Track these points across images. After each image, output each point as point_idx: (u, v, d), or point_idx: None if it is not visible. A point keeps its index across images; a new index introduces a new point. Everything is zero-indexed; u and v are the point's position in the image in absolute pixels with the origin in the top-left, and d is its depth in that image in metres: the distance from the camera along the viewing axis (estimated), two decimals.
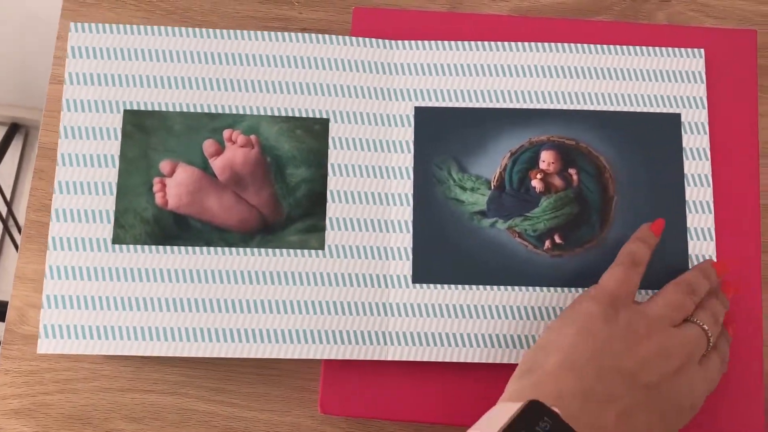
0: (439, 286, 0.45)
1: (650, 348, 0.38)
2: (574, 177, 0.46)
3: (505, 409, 0.34)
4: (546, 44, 0.47)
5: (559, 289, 0.45)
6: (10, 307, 0.47)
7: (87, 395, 0.46)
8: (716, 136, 0.47)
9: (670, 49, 0.48)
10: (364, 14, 0.49)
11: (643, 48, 0.47)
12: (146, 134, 0.45)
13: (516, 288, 0.45)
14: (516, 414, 0.33)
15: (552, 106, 0.47)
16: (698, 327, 0.40)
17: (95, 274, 0.44)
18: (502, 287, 0.45)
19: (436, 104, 0.47)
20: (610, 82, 0.47)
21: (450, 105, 0.47)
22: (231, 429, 0.45)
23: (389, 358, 0.44)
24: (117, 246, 0.44)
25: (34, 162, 0.48)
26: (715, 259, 0.45)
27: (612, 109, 0.47)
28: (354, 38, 0.47)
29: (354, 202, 0.46)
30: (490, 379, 0.45)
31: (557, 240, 0.45)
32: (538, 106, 0.47)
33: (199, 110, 0.46)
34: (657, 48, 0.48)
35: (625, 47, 0.47)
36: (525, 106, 0.47)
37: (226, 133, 0.46)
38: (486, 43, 0.47)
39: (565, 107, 0.47)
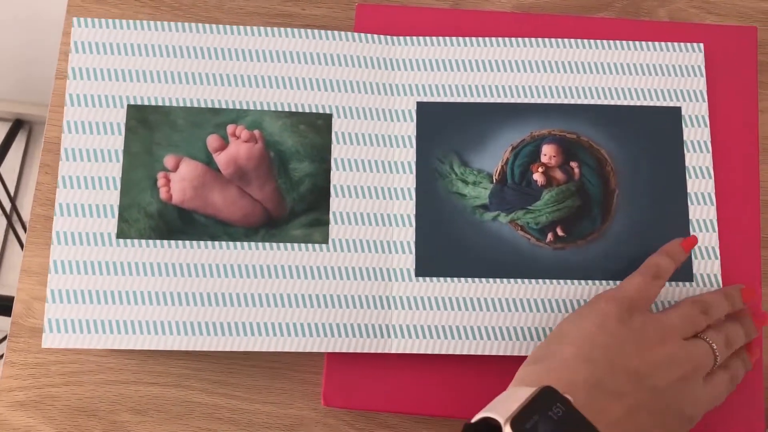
0: (441, 279, 0.45)
1: (660, 353, 0.39)
2: (576, 170, 0.46)
3: (517, 393, 0.35)
4: (546, 40, 0.48)
5: (561, 281, 0.45)
6: (16, 301, 0.47)
7: (92, 388, 0.46)
8: (716, 132, 0.47)
9: (669, 43, 0.48)
10: (367, 11, 0.49)
11: (643, 43, 0.48)
12: (150, 129, 0.46)
13: (518, 281, 0.45)
14: (530, 398, 0.34)
15: (553, 101, 0.47)
16: (706, 344, 0.41)
17: (99, 269, 0.44)
18: (504, 280, 0.45)
19: (438, 99, 0.47)
20: (611, 76, 0.47)
21: (452, 100, 0.47)
22: (234, 421, 0.46)
23: (392, 351, 0.44)
24: (121, 240, 0.44)
25: (37, 157, 0.48)
26: (717, 250, 0.46)
27: (613, 103, 0.47)
28: (357, 34, 0.48)
29: (357, 196, 0.46)
30: (492, 371, 0.45)
31: (559, 233, 0.46)
32: (539, 101, 0.47)
33: (202, 105, 0.46)
34: (657, 43, 0.48)
35: (625, 42, 0.48)
36: (526, 101, 0.47)
37: (230, 128, 0.46)
38: (487, 39, 0.48)
39: (566, 101, 0.47)
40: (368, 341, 0.44)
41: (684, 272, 0.45)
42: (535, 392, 0.34)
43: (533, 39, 0.48)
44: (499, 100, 0.47)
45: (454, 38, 0.48)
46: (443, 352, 0.44)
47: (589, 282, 0.45)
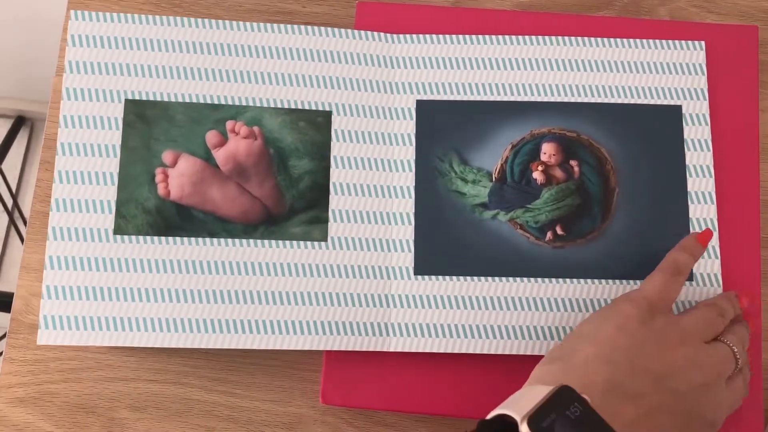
0: (440, 277, 0.45)
1: (681, 356, 0.39)
2: (576, 169, 0.46)
3: (534, 392, 0.34)
4: (546, 38, 0.48)
5: (560, 280, 0.45)
6: (15, 297, 0.47)
7: (91, 384, 0.46)
8: (717, 132, 0.47)
9: (670, 41, 0.48)
10: (368, 8, 0.49)
11: (644, 41, 0.48)
12: (148, 124, 0.45)
13: (517, 279, 0.45)
14: (547, 396, 0.33)
15: (553, 99, 0.47)
16: (728, 347, 0.41)
17: (96, 265, 0.44)
18: (503, 278, 0.45)
19: (438, 97, 0.47)
20: (611, 74, 0.47)
21: (452, 98, 0.47)
22: (233, 419, 0.45)
23: (391, 350, 0.44)
24: (118, 236, 0.44)
25: (39, 154, 0.48)
26: (717, 249, 0.45)
27: (613, 101, 0.47)
28: (357, 31, 0.47)
29: (356, 194, 0.46)
30: (491, 369, 0.45)
31: (559, 231, 0.46)
32: (539, 99, 0.47)
33: (201, 101, 0.46)
34: (657, 41, 0.48)
35: (625, 40, 0.48)
36: (526, 99, 0.47)
37: (229, 124, 0.46)
38: (487, 36, 0.48)
39: (566, 99, 0.47)
40: (367, 339, 0.44)
41: None
42: (552, 391, 0.34)
43: (533, 37, 0.48)
44: (499, 98, 0.47)
45: (454, 36, 0.48)
46: (442, 351, 0.44)
47: (589, 281, 0.45)
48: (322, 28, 0.47)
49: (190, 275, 0.44)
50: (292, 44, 0.47)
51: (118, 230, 0.44)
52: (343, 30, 0.47)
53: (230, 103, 0.46)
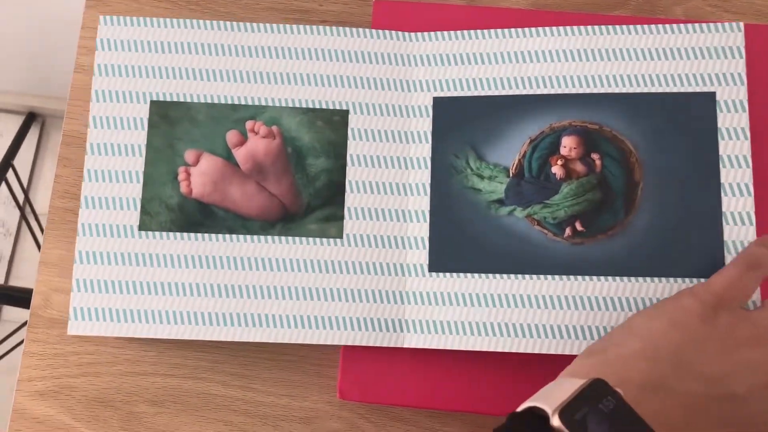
0: (455, 274, 0.44)
1: (747, 357, 0.36)
2: (597, 162, 0.45)
3: (566, 384, 0.33)
4: (566, 28, 0.46)
5: (579, 277, 0.43)
6: (35, 292, 0.48)
7: (109, 378, 0.47)
8: (752, 119, 0.45)
9: (704, 24, 0.45)
10: (385, 7, 0.49)
11: (674, 26, 0.46)
12: (171, 124, 0.47)
13: (533, 277, 0.44)
14: (580, 389, 0.32)
15: (574, 90, 0.46)
16: None
17: (122, 260, 0.46)
18: (519, 276, 0.44)
19: (455, 94, 0.47)
20: (636, 62, 0.46)
21: (469, 94, 0.47)
22: (250, 413, 0.46)
23: (405, 346, 0.44)
24: (143, 232, 0.46)
25: (50, 150, 0.50)
26: None
27: (639, 90, 0.45)
28: (374, 30, 0.48)
29: (372, 192, 0.46)
30: (506, 367, 0.44)
31: (578, 227, 0.44)
32: (559, 91, 0.46)
33: (222, 101, 0.47)
34: (689, 24, 0.46)
35: (653, 26, 0.46)
36: (546, 92, 0.46)
37: (248, 124, 0.47)
38: (505, 30, 0.47)
39: (588, 91, 0.46)
40: (382, 335, 0.44)
41: (716, 268, 0.42)
42: (585, 383, 0.33)
43: (552, 28, 0.46)
44: (517, 92, 0.46)
45: (471, 31, 0.47)
46: (456, 348, 0.43)
47: (609, 278, 0.43)
48: (340, 28, 0.48)
49: (209, 270, 0.45)
50: (310, 44, 0.48)
51: (143, 226, 0.46)
52: (360, 29, 0.48)
53: (250, 103, 0.47)
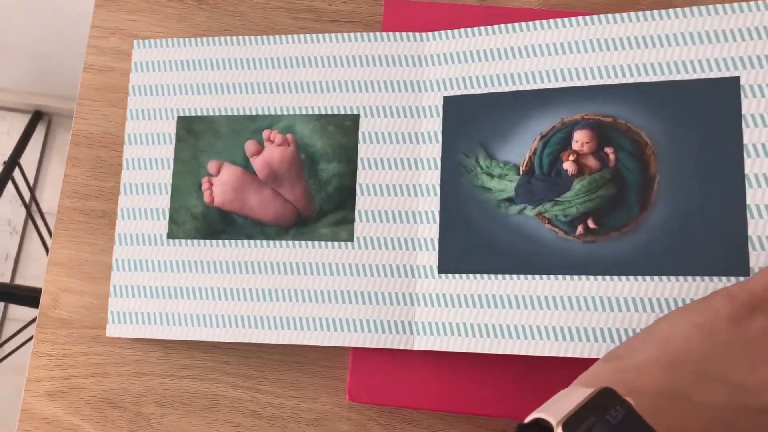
0: (464, 276, 0.43)
1: None
2: (611, 156, 0.42)
3: (574, 393, 0.32)
4: (578, 18, 0.44)
5: (591, 277, 0.41)
6: (44, 292, 0.49)
7: (118, 379, 0.48)
8: None
9: (726, 5, 0.42)
10: (396, 6, 0.49)
11: (693, 9, 0.42)
12: (196, 138, 0.50)
13: (544, 277, 0.42)
14: (586, 399, 0.31)
15: (587, 83, 0.43)
16: None
17: (153, 266, 0.49)
18: (529, 276, 0.42)
19: (466, 92, 0.46)
20: (653, 50, 0.43)
21: (479, 92, 0.46)
22: (259, 415, 0.47)
23: (415, 348, 0.44)
24: (171, 240, 0.49)
25: (56, 149, 0.52)
26: None
27: (655, 79, 0.42)
28: (383, 33, 0.48)
29: (382, 194, 0.46)
30: (516, 368, 0.43)
31: (590, 225, 0.42)
32: (571, 84, 0.44)
33: (241, 113, 0.49)
34: (710, 6, 0.42)
35: (670, 11, 0.43)
36: (557, 85, 0.44)
37: (265, 133, 0.49)
38: (516, 24, 0.46)
39: (601, 82, 0.43)
40: (391, 337, 0.44)
41: (739, 265, 0.39)
42: (593, 393, 0.31)
43: (561, 20, 0.45)
44: (528, 87, 0.45)
45: (478, 28, 0.46)
46: (465, 350, 0.43)
47: (622, 278, 0.41)
48: (350, 34, 0.48)
49: (230, 275, 0.47)
50: (321, 52, 0.49)
51: (171, 235, 0.49)
52: (369, 33, 0.48)
53: (267, 113, 0.49)
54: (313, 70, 0.49)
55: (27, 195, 1.22)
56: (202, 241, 0.48)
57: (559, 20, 0.45)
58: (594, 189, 0.42)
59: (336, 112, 0.48)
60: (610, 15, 0.44)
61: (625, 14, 0.44)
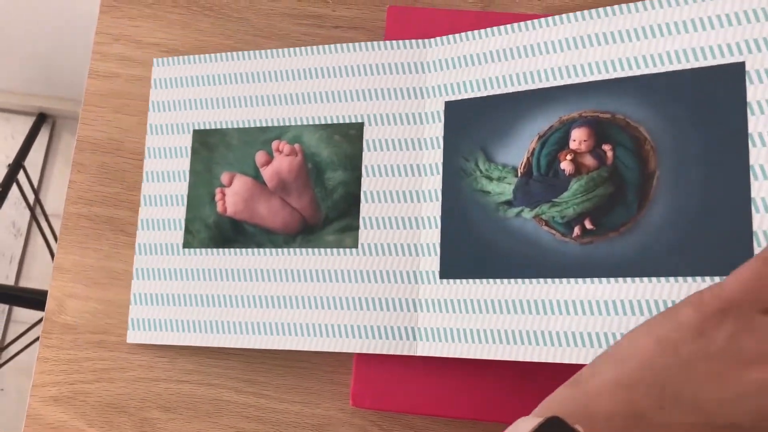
0: (465, 281, 0.43)
1: (759, 379, 0.30)
2: (609, 153, 0.41)
3: (521, 426, 0.31)
4: (572, 15, 0.43)
5: (588, 280, 0.40)
6: (49, 297, 0.49)
7: (123, 384, 0.48)
8: None
9: None
10: (398, 13, 0.50)
11: None
12: (210, 150, 0.52)
13: (541, 281, 0.41)
14: (532, 431, 0.29)
15: (585, 79, 0.43)
16: None
17: (169, 275, 0.51)
18: (527, 280, 0.41)
19: (466, 96, 0.46)
20: (652, 40, 0.41)
21: (479, 95, 0.45)
22: (262, 420, 0.47)
23: (418, 354, 0.44)
24: (186, 249, 0.51)
25: (60, 152, 0.53)
26: None
27: (654, 71, 0.41)
28: (385, 42, 0.49)
29: (386, 201, 0.47)
30: (519, 375, 0.42)
31: (587, 226, 0.41)
32: (569, 81, 0.43)
33: (252, 125, 0.51)
34: None
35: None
36: (555, 84, 0.43)
37: (274, 144, 0.50)
38: (511, 25, 0.45)
39: (599, 78, 0.42)
40: (395, 343, 0.44)
41: (740, 263, 0.36)
42: (537, 424, 0.30)
43: (556, 17, 0.44)
44: (526, 88, 0.44)
45: (476, 32, 0.46)
46: (467, 356, 0.42)
47: (620, 280, 0.39)
48: (354, 44, 0.49)
49: (240, 282, 0.49)
50: (327, 63, 0.50)
51: (186, 244, 0.51)
52: (372, 43, 0.49)
53: (276, 124, 0.51)
54: (319, 80, 0.50)
55: (31, 197, 1.22)
56: (215, 250, 0.50)
57: (554, 18, 0.44)
58: (591, 188, 0.41)
59: (341, 121, 0.49)
60: (601, 9, 0.43)
61: (624, 5, 0.42)
